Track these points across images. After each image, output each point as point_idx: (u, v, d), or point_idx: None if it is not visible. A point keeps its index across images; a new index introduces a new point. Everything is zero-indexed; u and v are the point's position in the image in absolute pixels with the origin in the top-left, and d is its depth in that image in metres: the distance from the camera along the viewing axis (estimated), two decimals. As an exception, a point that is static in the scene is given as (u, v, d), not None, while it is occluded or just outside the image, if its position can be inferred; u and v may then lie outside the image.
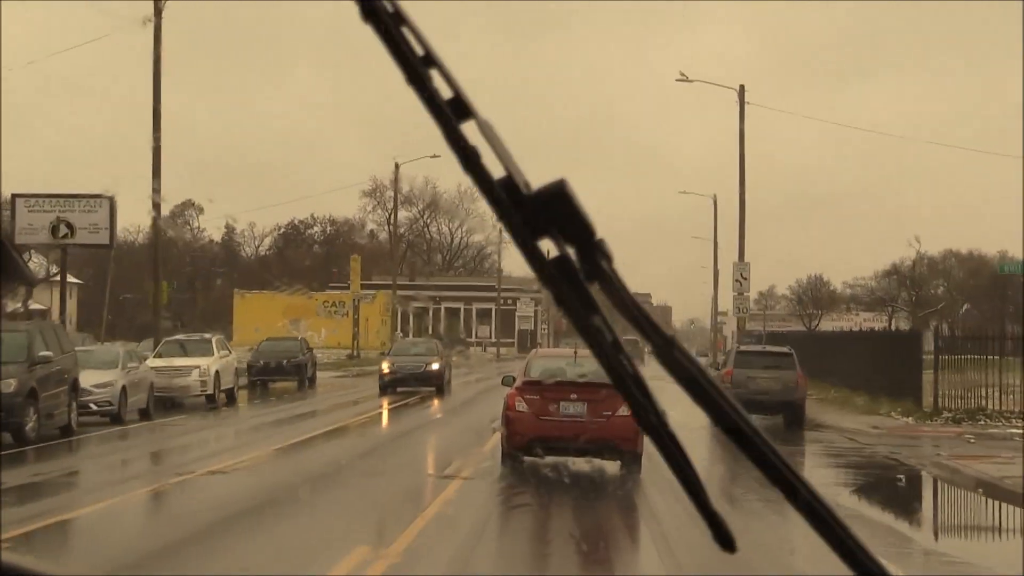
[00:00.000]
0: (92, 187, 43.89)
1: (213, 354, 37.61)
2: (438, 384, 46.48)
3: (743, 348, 36.25)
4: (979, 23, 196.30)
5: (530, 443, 20.13)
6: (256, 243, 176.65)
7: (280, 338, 58.60)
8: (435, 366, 46.45)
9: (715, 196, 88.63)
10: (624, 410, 17.08)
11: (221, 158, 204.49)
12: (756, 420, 1.93)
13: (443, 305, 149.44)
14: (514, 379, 21.65)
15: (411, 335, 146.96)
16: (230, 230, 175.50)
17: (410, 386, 45.38)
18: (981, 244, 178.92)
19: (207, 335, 41.64)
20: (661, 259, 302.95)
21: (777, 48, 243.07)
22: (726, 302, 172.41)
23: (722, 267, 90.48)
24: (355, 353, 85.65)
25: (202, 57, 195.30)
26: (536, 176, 1.85)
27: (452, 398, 45.60)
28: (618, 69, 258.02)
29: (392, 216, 73.54)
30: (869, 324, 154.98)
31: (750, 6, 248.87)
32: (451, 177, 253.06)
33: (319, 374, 57.92)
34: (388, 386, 45.08)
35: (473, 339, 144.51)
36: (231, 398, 39.35)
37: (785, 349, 35.13)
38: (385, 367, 46.44)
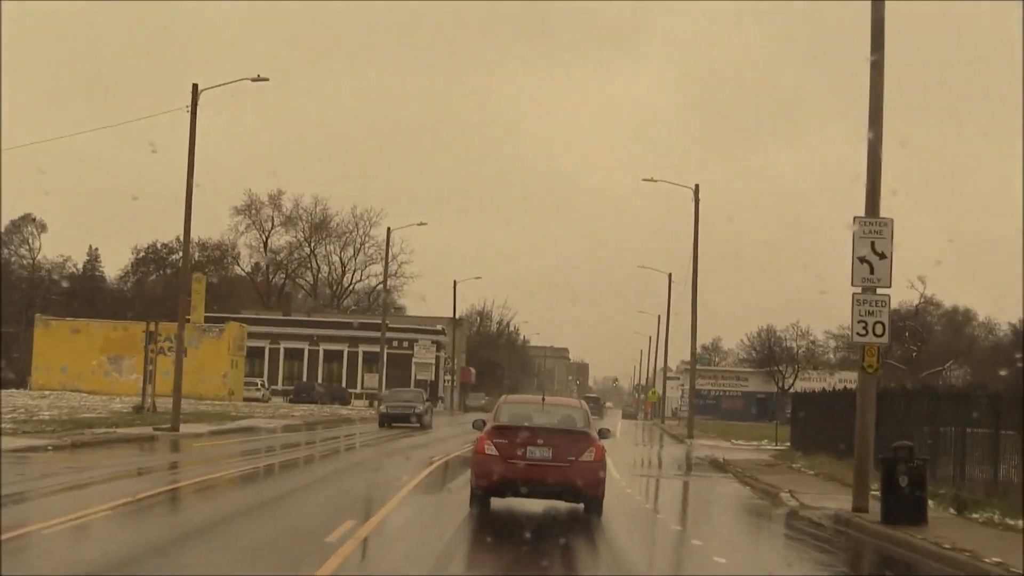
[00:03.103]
0: None
1: None
2: None
3: None
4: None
5: (497, 484, 20.71)
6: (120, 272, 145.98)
7: None
8: None
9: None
10: (587, 456, 20.33)
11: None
12: None
13: (321, 347, 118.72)
14: (484, 423, 21.74)
15: (275, 382, 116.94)
16: (93, 256, 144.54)
17: None
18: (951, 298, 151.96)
19: None
20: (582, 316, 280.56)
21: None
22: (679, 350, 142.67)
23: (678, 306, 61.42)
24: (144, 404, 55.13)
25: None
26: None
27: None
28: (538, 123, 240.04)
29: (188, 179, 42.49)
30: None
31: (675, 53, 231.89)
32: (345, 197, 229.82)
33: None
34: None
35: (359, 390, 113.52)
36: None
37: None
38: None
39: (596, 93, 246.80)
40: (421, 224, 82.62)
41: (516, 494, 20.98)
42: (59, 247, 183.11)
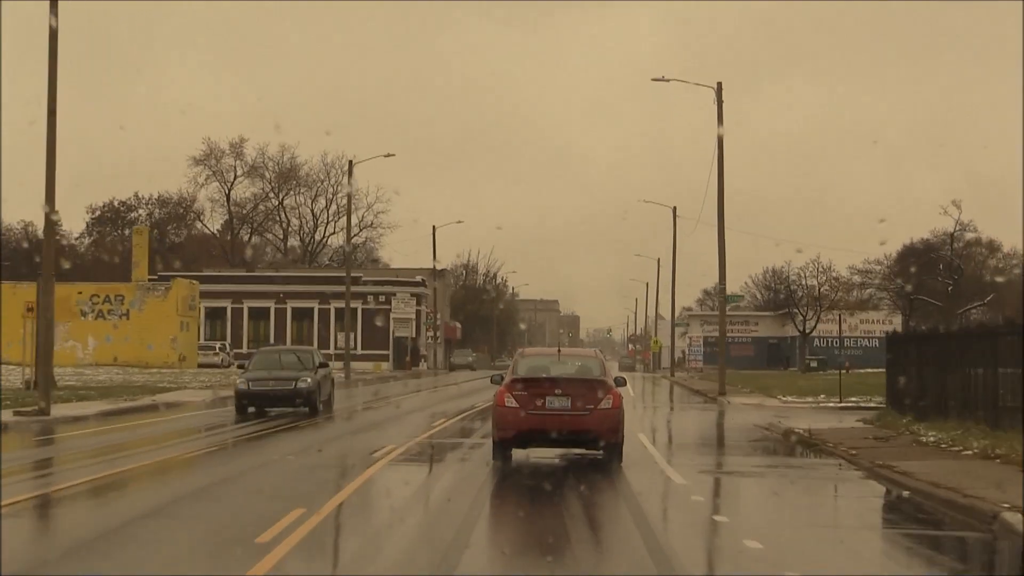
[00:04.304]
0: None
1: None
2: None
3: None
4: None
5: (518, 435, 20.85)
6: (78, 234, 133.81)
7: None
8: None
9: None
10: (605, 404, 20.54)
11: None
12: None
13: (289, 305, 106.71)
14: (502, 377, 21.78)
15: (238, 345, 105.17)
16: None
17: None
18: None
19: None
20: (572, 266, 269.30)
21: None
22: (687, 295, 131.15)
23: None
24: (34, 378, 43.11)
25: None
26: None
27: None
28: (525, 68, 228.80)
29: (51, 80, 30.07)
30: (882, 330, 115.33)
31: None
32: (315, 143, 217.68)
33: None
34: None
35: (332, 350, 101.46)
36: None
37: None
38: None
39: (585, 35, 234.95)
40: (388, 155, 70.50)
41: (537, 444, 21.17)
42: (17, 211, 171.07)
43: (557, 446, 21.24)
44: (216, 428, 30.68)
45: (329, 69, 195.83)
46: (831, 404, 41.98)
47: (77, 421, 31.77)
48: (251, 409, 34.09)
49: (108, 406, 37.01)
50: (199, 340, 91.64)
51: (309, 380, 34.35)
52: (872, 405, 39.71)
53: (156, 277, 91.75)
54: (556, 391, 20.44)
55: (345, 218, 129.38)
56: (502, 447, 20.96)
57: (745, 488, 18.80)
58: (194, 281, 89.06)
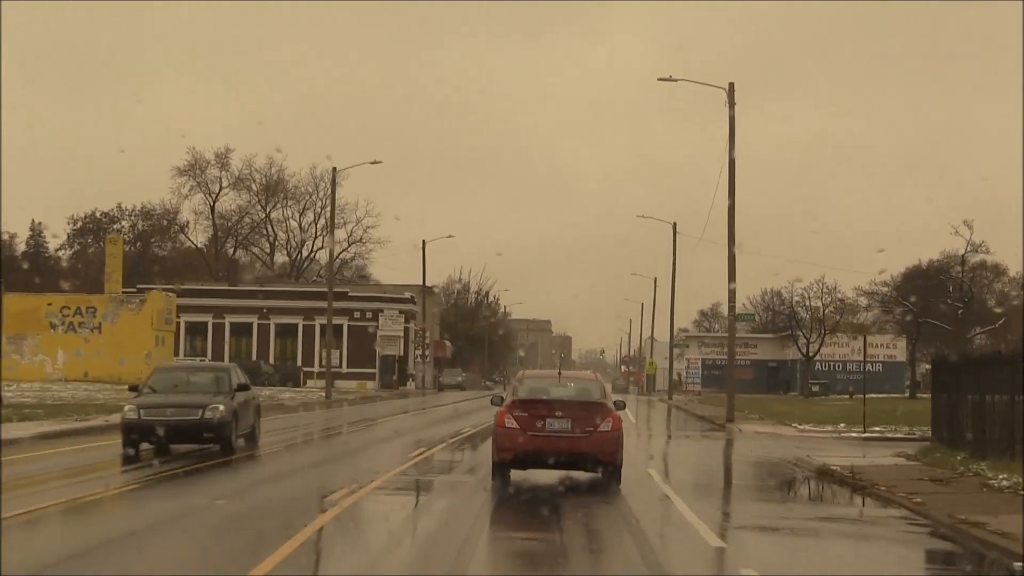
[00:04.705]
0: None
1: None
2: None
3: None
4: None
5: (518, 456, 20.94)
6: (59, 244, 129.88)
7: None
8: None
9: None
10: (605, 426, 20.64)
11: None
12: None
13: (272, 320, 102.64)
14: (503, 399, 22.25)
15: (219, 362, 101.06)
16: (36, 232, 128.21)
17: None
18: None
19: None
20: (566, 286, 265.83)
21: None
22: (683, 317, 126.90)
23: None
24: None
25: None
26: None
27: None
28: (523, 86, 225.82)
29: None
30: (885, 354, 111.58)
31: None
32: (303, 156, 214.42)
33: None
34: None
35: (317, 368, 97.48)
36: None
37: None
38: None
39: (579, 57, 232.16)
40: (375, 162, 66.69)
41: (537, 465, 21.14)
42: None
43: (557, 468, 21.21)
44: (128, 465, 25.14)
45: (321, 87, 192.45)
46: (854, 434, 38.08)
47: (3, 445, 27.76)
48: (144, 445, 26.35)
49: (52, 427, 33.07)
50: (176, 356, 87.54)
51: (222, 408, 26.70)
52: (900, 436, 36.03)
53: (135, 290, 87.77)
54: (556, 413, 20.50)
55: (335, 231, 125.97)
56: (502, 468, 21.07)
57: (802, 555, 14.44)
58: (171, 294, 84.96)
